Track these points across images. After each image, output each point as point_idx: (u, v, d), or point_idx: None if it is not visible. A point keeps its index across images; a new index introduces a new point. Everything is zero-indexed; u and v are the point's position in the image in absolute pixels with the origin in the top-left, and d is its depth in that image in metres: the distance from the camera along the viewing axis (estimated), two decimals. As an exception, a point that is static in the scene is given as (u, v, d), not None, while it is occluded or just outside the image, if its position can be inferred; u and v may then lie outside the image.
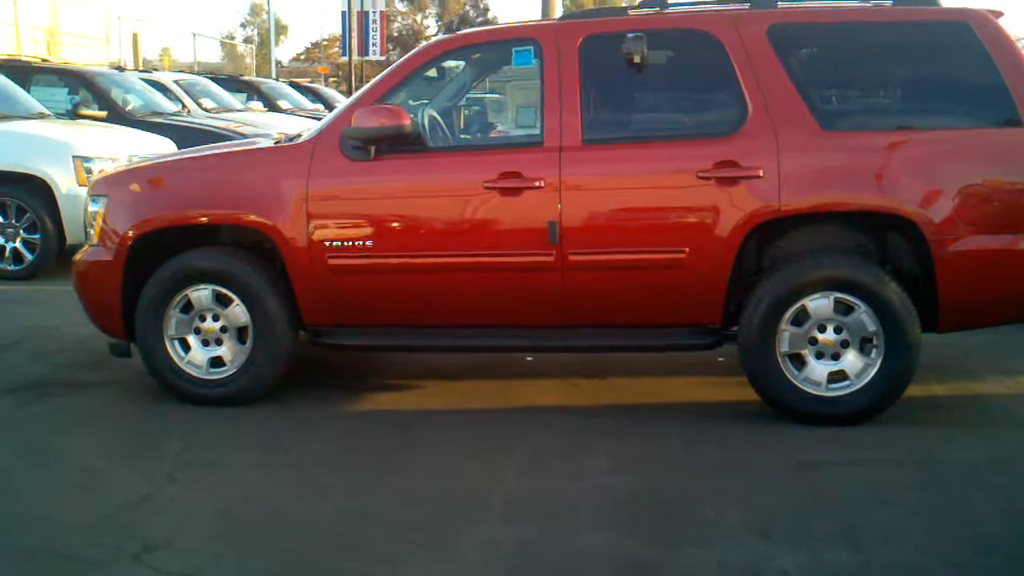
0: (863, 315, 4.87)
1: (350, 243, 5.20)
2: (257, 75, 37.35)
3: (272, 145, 5.72)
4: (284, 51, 75.15)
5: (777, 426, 4.95)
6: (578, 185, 5.05)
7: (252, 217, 5.28)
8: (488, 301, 5.20)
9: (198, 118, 13.55)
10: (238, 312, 5.36)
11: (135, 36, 33.11)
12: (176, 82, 15.31)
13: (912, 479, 4.33)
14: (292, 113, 17.50)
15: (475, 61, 6.07)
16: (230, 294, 5.35)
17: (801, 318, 4.93)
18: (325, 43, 67.04)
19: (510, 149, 5.41)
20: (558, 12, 18.18)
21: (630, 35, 5.03)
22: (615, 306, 5.13)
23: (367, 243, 5.19)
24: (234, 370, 5.38)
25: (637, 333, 5.23)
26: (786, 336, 4.94)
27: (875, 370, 4.89)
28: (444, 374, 5.99)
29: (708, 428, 4.99)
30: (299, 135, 5.70)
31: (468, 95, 6.76)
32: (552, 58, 5.14)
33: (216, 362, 5.40)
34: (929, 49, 5.02)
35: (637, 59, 5.03)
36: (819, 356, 4.95)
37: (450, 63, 6.09)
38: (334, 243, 5.21)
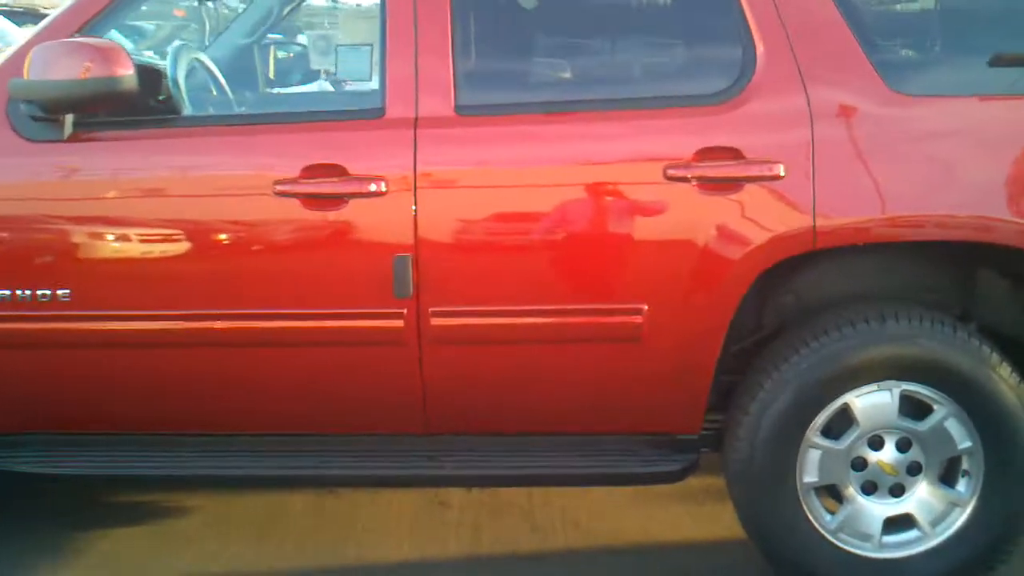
0: (950, 421, 2.77)
1: (24, 293, 2.83)
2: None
3: None
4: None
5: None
6: (449, 188, 2.78)
7: None
8: (289, 396, 2.91)
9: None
10: None
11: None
12: (-58, 16, 12.19)
13: None
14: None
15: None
16: None
17: (839, 425, 2.81)
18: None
19: (325, 122, 3.02)
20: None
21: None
22: (515, 404, 2.90)
23: (58, 292, 2.84)
24: None
25: (552, 448, 2.99)
26: (814, 457, 2.82)
27: (966, 514, 2.84)
28: (221, 485, 3.62)
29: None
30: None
31: (275, 30, 4.36)
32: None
33: None
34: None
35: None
36: (869, 490, 2.84)
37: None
38: (-6, 293, 2.83)
